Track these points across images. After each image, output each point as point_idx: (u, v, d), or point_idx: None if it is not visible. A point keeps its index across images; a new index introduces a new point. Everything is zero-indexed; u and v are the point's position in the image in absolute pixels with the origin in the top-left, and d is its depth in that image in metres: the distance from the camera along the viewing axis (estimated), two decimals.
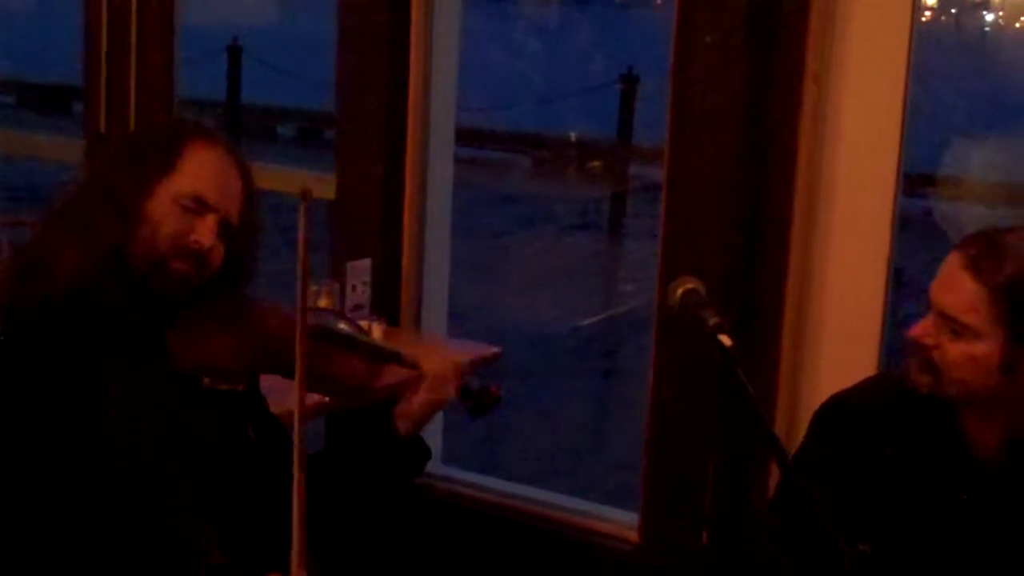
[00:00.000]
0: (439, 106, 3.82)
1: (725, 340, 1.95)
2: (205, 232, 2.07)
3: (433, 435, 3.75)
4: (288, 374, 2.00)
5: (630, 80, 14.90)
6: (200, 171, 2.10)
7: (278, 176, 4.24)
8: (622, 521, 3.54)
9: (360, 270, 3.63)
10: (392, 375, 2.36)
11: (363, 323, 3.49)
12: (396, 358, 2.28)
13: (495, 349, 3.56)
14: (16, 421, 1.94)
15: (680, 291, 2.04)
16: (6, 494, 1.92)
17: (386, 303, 3.75)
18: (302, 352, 1.99)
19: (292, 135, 16.85)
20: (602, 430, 7.00)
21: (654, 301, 3.44)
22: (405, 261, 3.81)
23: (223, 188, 2.12)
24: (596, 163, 14.30)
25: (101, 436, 1.96)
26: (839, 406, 2.28)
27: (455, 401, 2.29)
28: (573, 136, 15.28)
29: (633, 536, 3.45)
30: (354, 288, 3.60)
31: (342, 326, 2.32)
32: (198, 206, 2.08)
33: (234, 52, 17.73)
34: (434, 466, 3.80)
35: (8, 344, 1.97)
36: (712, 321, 1.98)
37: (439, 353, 2.33)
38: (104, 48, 4.31)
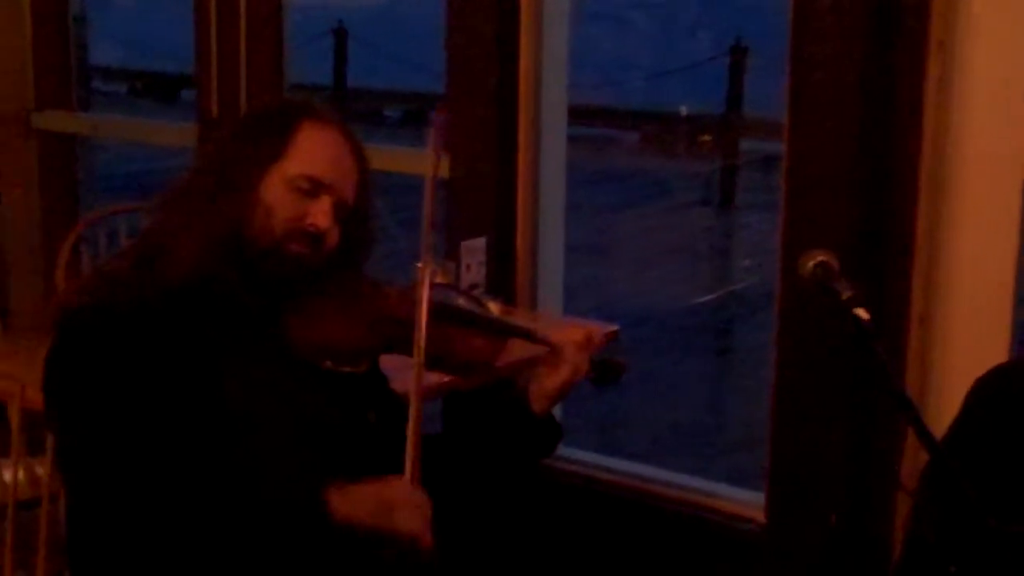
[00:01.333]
0: (551, 83, 3.76)
1: (862, 314, 1.88)
2: (320, 214, 2.05)
3: None
4: (408, 353, 2.02)
5: (739, 51, 14.67)
6: (313, 152, 2.08)
7: (389, 156, 4.23)
8: (747, 501, 3.47)
9: (475, 249, 3.60)
10: (514, 352, 2.31)
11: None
12: (525, 334, 2.23)
13: (613, 327, 3.49)
14: (134, 405, 1.90)
15: (811, 264, 1.97)
16: (122, 477, 1.89)
17: (501, 282, 3.71)
18: (422, 329, 2.00)
19: (398, 117, 16.89)
20: (718, 409, 6.91)
21: (774, 276, 3.35)
22: (520, 239, 3.77)
23: (337, 168, 2.09)
24: (706, 137, 14.13)
25: (220, 421, 1.93)
26: (1004, 377, 2.19)
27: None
28: (682, 111, 15.11)
29: (759, 516, 3.38)
30: (469, 267, 3.57)
31: (461, 302, 2.28)
32: (312, 187, 2.05)
33: (340, 35, 17.80)
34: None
35: (128, 329, 1.94)
36: (846, 294, 1.91)
37: (569, 327, 2.27)
38: (214, 33, 4.31)
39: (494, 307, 3.42)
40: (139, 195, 5.08)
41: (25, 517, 2.50)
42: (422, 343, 2.01)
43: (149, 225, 2.11)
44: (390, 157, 4.46)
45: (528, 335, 2.22)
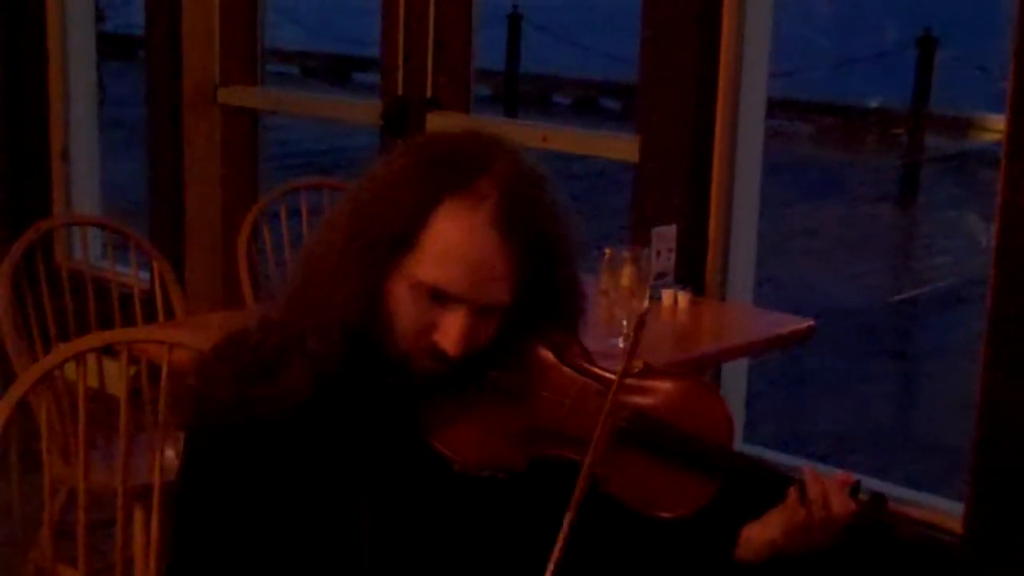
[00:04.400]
0: (752, 69, 3.63)
1: None
2: (450, 332, 1.62)
3: (735, 411, 3.58)
4: (571, 479, 1.59)
5: (927, 43, 14.20)
6: (443, 250, 1.61)
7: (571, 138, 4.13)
8: (944, 510, 3.31)
9: (666, 236, 3.47)
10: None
11: (667, 291, 3.37)
12: (767, 479, 1.69)
13: (809, 322, 3.35)
14: (269, 507, 1.69)
15: None
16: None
17: (691, 271, 3.59)
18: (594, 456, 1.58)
19: (568, 104, 16.80)
20: (903, 411, 6.69)
21: (963, 277, 3.17)
22: (712, 228, 3.64)
23: (474, 272, 1.62)
24: (895, 131, 13.73)
25: (350, 529, 1.68)
26: None
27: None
28: (864, 103, 14.73)
29: (956, 527, 3.21)
30: (659, 255, 3.44)
31: (669, 422, 1.71)
32: (441, 296, 1.63)
33: (514, 20, 17.76)
34: (736, 444, 3.63)
35: (260, 431, 1.67)
36: None
37: (833, 483, 1.70)
38: (402, 13, 4.27)
39: (683, 297, 3.31)
40: (317, 172, 5.11)
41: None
42: (587, 472, 1.57)
43: (277, 308, 1.74)
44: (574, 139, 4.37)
45: (773, 480, 1.68)
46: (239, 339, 1.73)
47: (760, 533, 1.72)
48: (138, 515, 3.01)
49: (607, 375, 1.72)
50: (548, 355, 1.74)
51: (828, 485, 1.69)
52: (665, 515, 1.69)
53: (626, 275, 3.23)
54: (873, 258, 9.40)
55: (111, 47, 12.16)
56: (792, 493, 1.68)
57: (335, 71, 17.68)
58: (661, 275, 3.44)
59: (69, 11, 5.39)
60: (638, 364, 1.74)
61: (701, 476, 1.69)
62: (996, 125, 2.79)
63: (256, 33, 4.94)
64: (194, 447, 1.75)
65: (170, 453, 3.21)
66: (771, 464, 1.79)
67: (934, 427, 5.91)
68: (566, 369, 1.74)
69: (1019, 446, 3.06)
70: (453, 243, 1.61)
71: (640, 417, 1.70)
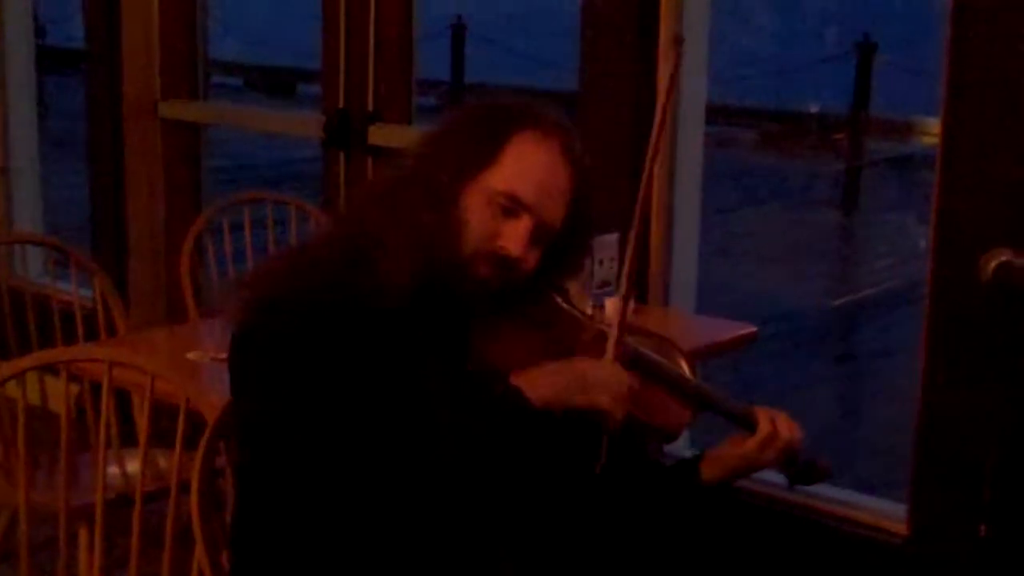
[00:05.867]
0: (689, 81, 3.65)
1: None
2: (515, 238, 1.91)
3: None
4: None
5: (866, 48, 14.33)
6: (521, 167, 1.92)
7: None
8: (888, 511, 3.33)
9: (607, 244, 3.48)
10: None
11: (609, 300, 3.38)
12: (727, 410, 2.08)
13: (751, 328, 3.38)
14: (328, 399, 1.82)
15: (994, 263, 1.85)
16: (308, 458, 1.82)
17: (634, 279, 3.60)
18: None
19: None
20: (847, 415, 6.74)
21: (908, 279, 3.20)
22: (654, 236, 3.66)
23: (544, 188, 1.93)
24: (836, 135, 13.84)
25: (405, 424, 1.82)
26: None
27: (774, 466, 2.11)
28: (804, 109, 14.85)
29: (901, 528, 3.24)
30: (601, 263, 3.46)
31: (661, 360, 2.08)
32: (512, 206, 1.91)
33: (458, 31, 17.79)
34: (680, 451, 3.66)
35: (334, 327, 1.84)
36: None
37: (780, 418, 2.10)
38: (343, 26, 4.27)
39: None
40: (263, 185, 5.10)
41: (148, 510, 2.45)
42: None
43: (355, 217, 1.99)
44: None
45: (729, 411, 2.08)
46: (302, 248, 2.02)
47: (718, 453, 2.10)
48: (83, 534, 2.99)
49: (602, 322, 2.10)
50: (562, 301, 2.06)
51: (772, 434, 2.07)
52: (658, 423, 2.03)
53: (569, 285, 3.25)
54: (816, 262, 9.48)
55: (55, 60, 12.07)
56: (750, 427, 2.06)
57: (280, 83, 17.63)
58: (604, 284, 3.45)
59: (7, 29, 5.35)
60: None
61: (682, 401, 2.06)
62: (935, 128, 2.85)
63: (197, 46, 4.92)
64: (284, 311, 1.86)
65: (114, 470, 3.20)
66: (736, 406, 2.09)
67: (879, 430, 5.96)
68: (577, 312, 2.07)
69: (959, 447, 3.09)
70: (530, 161, 1.92)
71: (637, 351, 2.04)
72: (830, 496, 3.47)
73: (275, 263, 2.00)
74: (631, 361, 1.98)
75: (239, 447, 2.00)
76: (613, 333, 1.94)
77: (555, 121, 1.98)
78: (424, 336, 1.89)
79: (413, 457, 1.79)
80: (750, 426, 2.09)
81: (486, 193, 1.91)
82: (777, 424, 2.07)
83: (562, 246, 1.98)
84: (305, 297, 1.86)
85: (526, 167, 1.92)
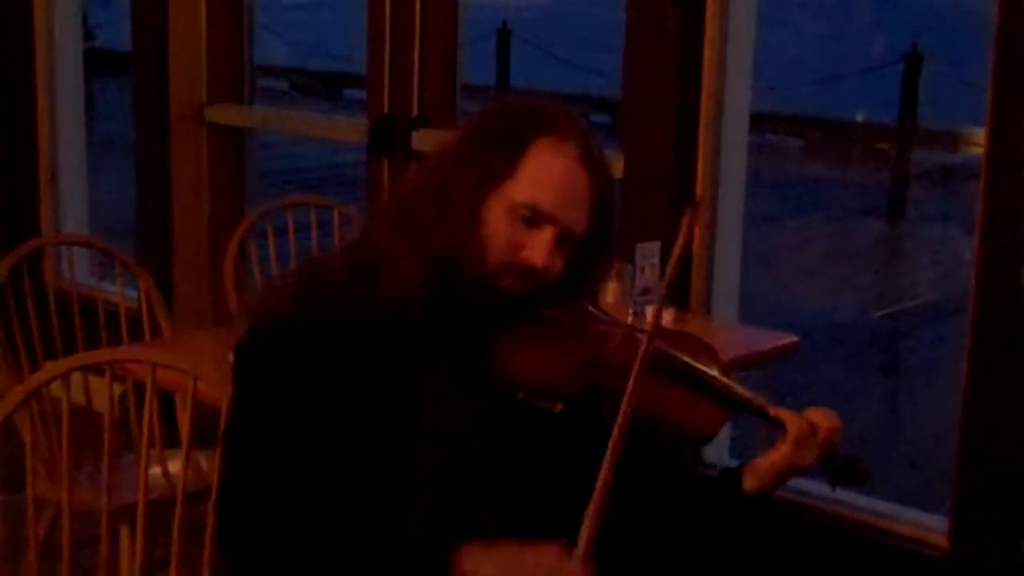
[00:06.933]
0: (734, 88, 3.64)
1: None
2: (539, 249, 1.89)
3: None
4: (615, 405, 1.85)
5: (914, 59, 14.24)
6: (541, 177, 1.90)
7: None
8: (929, 525, 3.32)
9: (649, 252, 3.48)
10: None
11: (649, 308, 3.38)
12: (759, 410, 1.99)
13: (793, 338, 3.36)
14: (326, 414, 1.85)
15: None
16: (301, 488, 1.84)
17: (676, 287, 3.60)
18: (635, 383, 1.83)
19: None
20: (890, 427, 6.70)
21: (953, 291, 3.18)
22: (696, 243, 3.65)
23: (566, 197, 1.90)
24: (882, 145, 13.76)
25: (409, 445, 1.85)
26: None
27: (816, 464, 2.00)
28: (850, 118, 14.77)
29: (942, 542, 3.22)
30: (643, 270, 3.45)
31: (688, 359, 2.03)
32: (535, 217, 1.88)
33: (503, 35, 17.79)
34: (723, 461, 3.65)
35: (336, 342, 1.87)
36: None
37: (812, 415, 2.00)
38: (388, 30, 4.29)
39: (668, 313, 3.32)
40: (307, 189, 5.13)
41: (189, 511, 2.46)
42: (630, 398, 1.84)
43: (366, 233, 2.00)
44: None
45: (761, 411, 2.00)
46: (315, 261, 2.02)
47: (756, 463, 2.00)
48: (124, 534, 3.01)
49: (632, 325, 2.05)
50: (590, 306, 2.04)
51: (804, 432, 1.96)
52: (690, 425, 2.00)
53: (610, 291, 3.25)
54: (861, 272, 9.42)
55: (103, 62, 12.16)
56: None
57: (324, 87, 17.71)
58: (645, 291, 3.45)
59: (56, 33, 5.40)
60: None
61: (714, 403, 2.01)
62: (981, 139, 2.82)
63: (243, 51, 4.94)
64: (284, 327, 1.89)
65: (155, 471, 3.22)
66: (767, 404, 2.01)
67: (921, 442, 5.91)
68: (605, 317, 2.04)
69: (1002, 459, 3.07)
70: (549, 170, 1.89)
71: (667, 353, 1.99)
72: (871, 508, 3.46)
73: (284, 277, 2.02)
74: (659, 363, 1.95)
75: (222, 453, 1.97)
76: (643, 338, 1.92)
77: (571, 124, 1.95)
78: (435, 350, 1.89)
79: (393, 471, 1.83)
80: (784, 423, 2.03)
81: (507, 205, 1.89)
82: (812, 416, 1.98)
83: (587, 250, 1.96)
84: (303, 314, 1.88)
85: (545, 176, 1.89)
